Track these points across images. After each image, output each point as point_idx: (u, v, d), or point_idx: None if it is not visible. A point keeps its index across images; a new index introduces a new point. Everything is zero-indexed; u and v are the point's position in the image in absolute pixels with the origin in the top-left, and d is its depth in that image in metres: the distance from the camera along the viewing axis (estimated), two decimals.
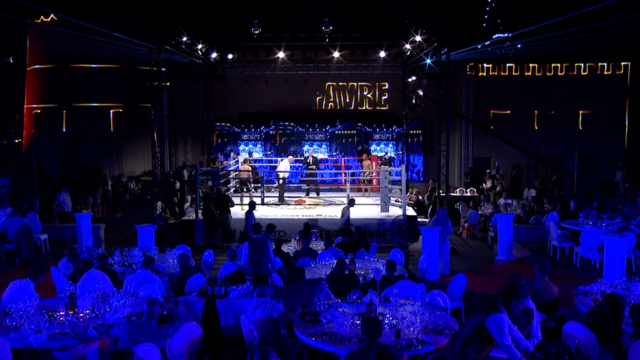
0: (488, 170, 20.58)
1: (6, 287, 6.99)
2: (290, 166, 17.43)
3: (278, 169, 16.97)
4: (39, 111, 23.00)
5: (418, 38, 15.14)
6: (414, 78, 18.09)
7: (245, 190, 16.34)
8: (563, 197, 14.69)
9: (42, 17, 21.90)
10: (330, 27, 15.81)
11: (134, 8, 22.70)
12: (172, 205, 15.78)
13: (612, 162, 20.77)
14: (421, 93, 17.78)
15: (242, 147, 23.16)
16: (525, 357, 4.87)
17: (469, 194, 18.15)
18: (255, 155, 21.71)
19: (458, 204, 17.18)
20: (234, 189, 17.15)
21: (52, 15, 21.50)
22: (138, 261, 8.93)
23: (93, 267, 8.05)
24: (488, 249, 13.52)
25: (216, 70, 20.48)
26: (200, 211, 14.07)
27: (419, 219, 14.19)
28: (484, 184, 19.27)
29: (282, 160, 17.63)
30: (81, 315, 6.25)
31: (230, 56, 19.14)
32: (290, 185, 18.57)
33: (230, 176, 17.49)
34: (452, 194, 17.63)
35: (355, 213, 14.32)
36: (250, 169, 17.10)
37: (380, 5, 24.65)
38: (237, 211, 14.99)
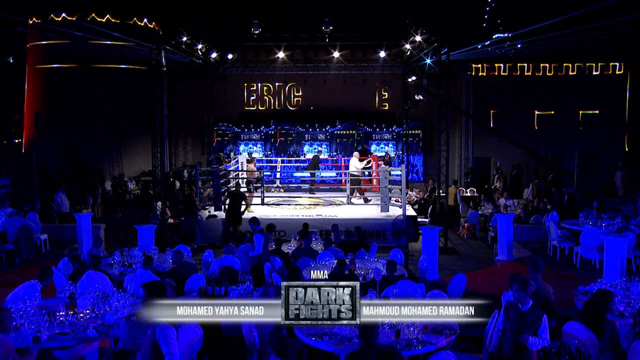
0: (501, 171, 20.46)
1: (6, 286, 7.00)
2: (290, 167, 17.33)
3: (350, 169, 16.34)
4: (39, 111, 23.00)
5: (418, 38, 15.12)
6: (414, 78, 18.08)
7: (248, 190, 16.29)
8: (572, 197, 14.63)
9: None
10: (330, 27, 15.80)
11: (134, 8, 22.70)
12: (172, 205, 15.74)
13: (612, 162, 20.76)
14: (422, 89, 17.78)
15: (242, 147, 23.17)
16: None
17: (468, 194, 18.13)
18: (255, 155, 21.68)
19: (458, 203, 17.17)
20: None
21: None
22: (138, 261, 8.91)
23: (92, 267, 8.03)
24: (488, 249, 13.52)
25: (216, 70, 20.46)
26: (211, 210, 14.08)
27: (418, 219, 14.19)
28: (496, 183, 19.21)
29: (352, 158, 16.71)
30: (81, 315, 6.25)
31: (230, 56, 19.13)
32: (289, 185, 18.44)
33: (231, 176, 17.47)
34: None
35: (356, 213, 14.36)
36: (255, 168, 17.02)
37: (380, 5, 24.65)
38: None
